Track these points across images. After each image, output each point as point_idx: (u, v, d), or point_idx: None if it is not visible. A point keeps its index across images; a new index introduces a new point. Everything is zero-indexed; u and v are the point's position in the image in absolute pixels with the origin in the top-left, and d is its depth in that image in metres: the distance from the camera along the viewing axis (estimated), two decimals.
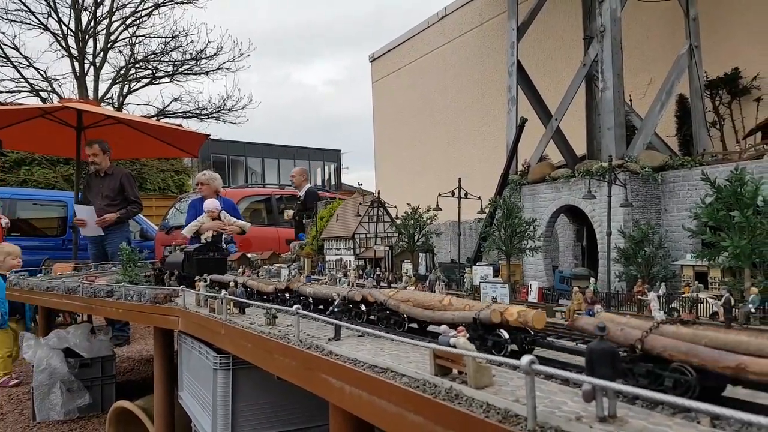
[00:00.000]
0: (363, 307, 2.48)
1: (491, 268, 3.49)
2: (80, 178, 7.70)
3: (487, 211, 4.98)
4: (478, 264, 3.92)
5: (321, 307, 2.83)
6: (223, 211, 6.79)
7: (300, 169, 8.40)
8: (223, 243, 6.45)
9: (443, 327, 1.63)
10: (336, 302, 2.34)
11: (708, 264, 3.12)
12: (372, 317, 2.43)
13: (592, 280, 3.22)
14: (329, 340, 2.19)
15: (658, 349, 1.37)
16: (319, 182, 36.29)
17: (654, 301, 2.46)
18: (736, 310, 2.43)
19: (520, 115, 5.85)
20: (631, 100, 6.00)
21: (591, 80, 5.53)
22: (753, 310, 2.46)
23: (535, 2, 6.28)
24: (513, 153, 5.64)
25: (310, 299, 2.91)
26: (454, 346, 1.52)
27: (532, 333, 1.79)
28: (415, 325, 2.27)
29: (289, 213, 7.77)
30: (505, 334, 1.78)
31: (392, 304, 2.26)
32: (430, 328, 2.23)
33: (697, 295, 2.80)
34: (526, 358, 1.21)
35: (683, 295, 2.84)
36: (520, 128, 5.58)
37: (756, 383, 1.22)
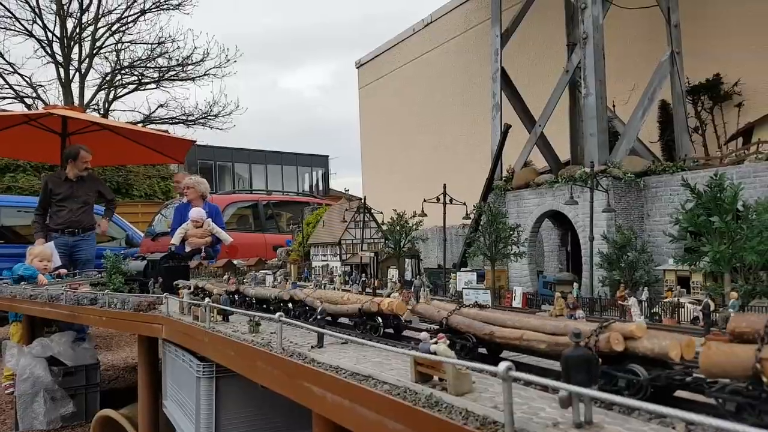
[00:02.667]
0: (290, 305, 2.89)
1: (475, 273, 3.51)
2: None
3: (472, 216, 5.01)
4: (462, 270, 3.94)
5: (265, 306, 3.23)
6: (208, 220, 6.77)
7: (182, 174, 8.44)
8: (205, 251, 6.47)
9: (423, 334, 1.64)
10: (319, 309, 2.34)
11: (690, 269, 3.17)
12: (297, 314, 2.88)
13: (575, 285, 3.25)
14: (312, 347, 2.19)
15: (455, 324, 1.93)
16: (306, 188, 36.21)
17: (634, 306, 2.49)
18: (716, 314, 2.47)
19: (504, 121, 5.90)
20: (614, 106, 6.07)
21: (574, 86, 5.60)
22: (733, 315, 2.49)
23: (518, 9, 6.35)
24: (497, 159, 5.68)
25: (254, 299, 3.28)
26: (435, 353, 1.52)
27: (402, 319, 2.30)
28: (329, 318, 2.67)
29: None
30: (380, 320, 2.28)
31: (309, 301, 2.73)
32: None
33: (678, 299, 2.83)
34: (503, 365, 1.21)
35: (665, 300, 2.87)
36: (504, 134, 5.63)
37: (503, 345, 1.77)
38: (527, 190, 5.10)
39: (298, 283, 4.79)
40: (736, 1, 6.79)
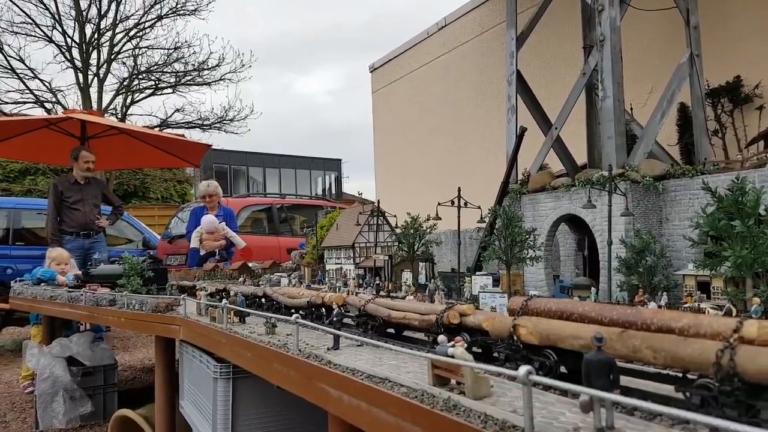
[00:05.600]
0: (263, 300, 3.44)
1: (491, 277, 3.49)
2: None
3: (486, 220, 4.98)
4: (477, 273, 3.92)
5: (247, 302, 3.60)
6: (222, 224, 6.85)
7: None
8: (219, 254, 6.56)
9: (441, 337, 1.63)
10: (335, 312, 2.35)
11: (710, 274, 3.11)
12: (266, 306, 3.42)
13: (593, 289, 3.21)
14: (328, 349, 2.19)
15: (368, 310, 2.48)
16: (320, 191, 36.34)
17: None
18: None
19: (520, 124, 5.86)
20: (631, 109, 6.01)
21: (591, 89, 5.55)
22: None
23: (534, 12, 6.32)
24: (513, 162, 5.65)
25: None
26: (452, 356, 1.51)
27: (341, 309, 2.68)
28: (292, 310, 3.07)
29: None
30: (323, 311, 2.78)
31: (275, 296, 3.28)
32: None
33: (699, 305, 2.79)
34: (523, 369, 1.20)
35: (685, 305, 2.83)
36: (520, 137, 5.59)
37: (395, 323, 2.36)
38: (543, 193, 5.07)
39: (312, 285, 4.80)
40: (756, 3, 6.70)
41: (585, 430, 1.22)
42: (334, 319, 2.29)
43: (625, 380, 1.59)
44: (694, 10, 5.63)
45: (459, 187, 4.62)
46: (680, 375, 1.44)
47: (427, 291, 3.66)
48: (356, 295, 2.92)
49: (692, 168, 4.54)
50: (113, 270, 5.13)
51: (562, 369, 1.66)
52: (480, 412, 1.39)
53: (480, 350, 1.97)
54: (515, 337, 1.71)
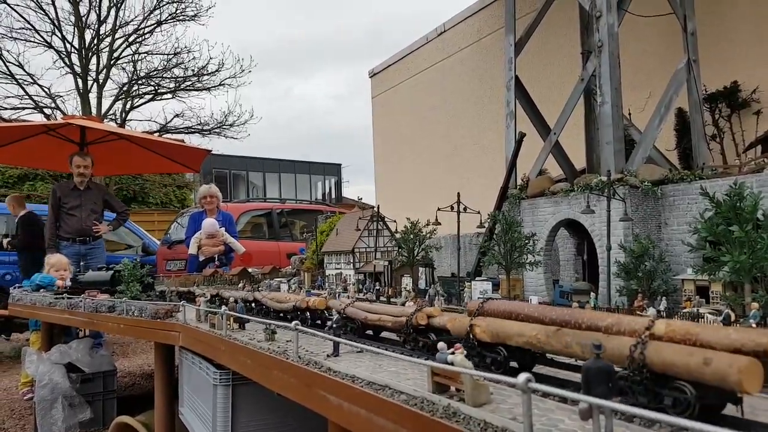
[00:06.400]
0: (254, 305, 3.59)
1: (490, 283, 3.49)
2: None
3: (486, 225, 4.99)
4: (477, 279, 3.92)
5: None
6: (222, 229, 6.86)
7: (10, 197, 8.48)
8: (218, 259, 6.56)
9: (440, 344, 1.64)
10: (335, 318, 2.35)
11: (709, 278, 3.12)
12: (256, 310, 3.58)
13: (592, 294, 3.22)
14: (328, 356, 2.19)
15: (348, 313, 2.62)
16: (319, 196, 36.36)
17: (653, 316, 2.46)
18: (737, 325, 2.43)
19: (518, 129, 5.88)
20: (630, 114, 6.03)
21: (589, 94, 5.57)
22: (753, 325, 2.46)
23: (532, 18, 6.35)
24: (512, 167, 5.66)
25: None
26: (452, 363, 1.52)
27: (325, 313, 2.93)
28: (281, 315, 3.23)
29: (5, 241, 8.27)
30: (308, 314, 2.95)
31: (265, 301, 3.43)
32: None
33: (698, 310, 2.79)
34: (522, 377, 1.21)
35: (684, 310, 2.84)
36: (519, 143, 5.61)
37: (371, 325, 2.52)
38: (542, 198, 5.08)
39: (312, 291, 4.81)
40: (752, 9, 6.73)
41: None
42: (335, 325, 2.30)
43: (563, 374, 1.84)
44: (691, 16, 5.66)
45: (458, 193, 4.63)
46: None
47: (426, 296, 3.67)
48: (336, 298, 3.09)
49: (690, 173, 4.56)
50: (100, 276, 5.13)
51: (513, 364, 1.83)
52: (480, 420, 1.39)
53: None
54: (472, 336, 1.88)
